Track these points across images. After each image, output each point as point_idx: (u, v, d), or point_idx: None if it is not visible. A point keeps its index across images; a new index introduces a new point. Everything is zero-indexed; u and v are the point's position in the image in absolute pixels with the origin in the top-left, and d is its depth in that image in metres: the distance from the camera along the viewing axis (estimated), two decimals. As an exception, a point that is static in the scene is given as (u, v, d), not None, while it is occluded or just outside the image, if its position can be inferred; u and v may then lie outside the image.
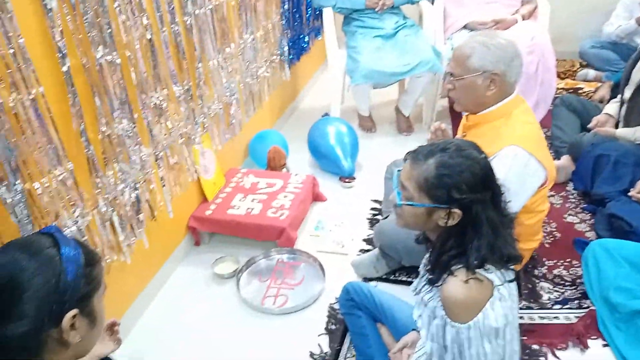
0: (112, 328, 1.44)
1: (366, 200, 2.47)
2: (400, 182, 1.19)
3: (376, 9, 2.88)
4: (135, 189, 1.71)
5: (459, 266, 1.12)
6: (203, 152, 2.17)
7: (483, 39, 1.63)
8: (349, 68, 2.84)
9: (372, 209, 2.41)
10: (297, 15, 3.20)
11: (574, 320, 1.75)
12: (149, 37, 1.68)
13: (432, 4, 3.02)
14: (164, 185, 1.89)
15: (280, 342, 1.77)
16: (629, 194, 2.08)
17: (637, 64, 2.42)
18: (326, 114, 3.27)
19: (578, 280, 1.91)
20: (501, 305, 1.11)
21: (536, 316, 1.79)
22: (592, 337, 1.69)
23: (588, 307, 1.79)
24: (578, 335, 1.69)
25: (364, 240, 2.22)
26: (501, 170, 1.54)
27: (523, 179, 1.60)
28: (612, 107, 2.55)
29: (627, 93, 2.42)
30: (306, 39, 3.41)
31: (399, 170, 1.23)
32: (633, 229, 1.90)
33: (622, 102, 2.48)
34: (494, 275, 1.12)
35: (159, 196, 1.88)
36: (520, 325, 1.68)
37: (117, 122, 1.57)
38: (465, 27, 2.85)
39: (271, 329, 1.82)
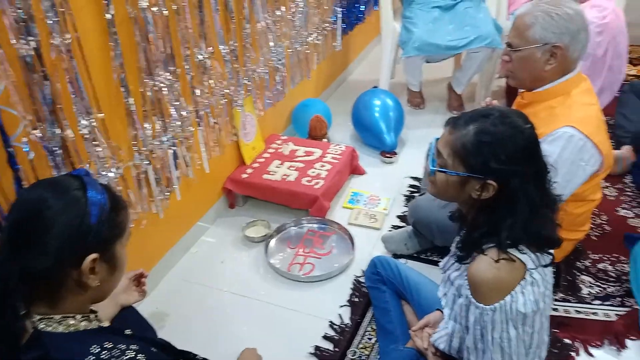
0: (139, 279, 1.47)
1: (405, 177, 2.40)
2: (436, 149, 1.13)
3: (436, -23, 2.75)
4: (173, 145, 1.72)
5: (491, 245, 1.06)
6: (245, 116, 2.16)
7: (547, 8, 1.51)
8: (401, 39, 2.73)
9: (410, 186, 2.35)
10: (353, -17, 3.10)
11: (614, 318, 1.65)
12: (196, -10, 1.67)
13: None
14: (202, 144, 1.90)
15: (303, 309, 1.76)
16: (694, 191, 1.91)
17: None
18: (375, 87, 3.18)
19: (623, 277, 1.79)
20: (532, 290, 1.05)
21: (572, 309, 1.69)
22: (632, 338, 1.58)
23: (631, 306, 1.67)
24: (616, 334, 1.59)
25: (398, 216, 2.16)
26: (554, 151, 1.45)
27: (576, 164, 1.49)
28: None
29: None
30: (362, 8, 3.30)
31: (437, 138, 1.16)
32: (693, 229, 1.75)
33: (698, 92, 2.26)
34: (527, 257, 1.05)
35: (196, 155, 1.89)
36: (554, 317, 1.61)
37: (159, 76, 1.58)
38: (530, 2, 2.66)
39: (295, 296, 1.82)
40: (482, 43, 2.57)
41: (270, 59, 2.28)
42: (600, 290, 1.76)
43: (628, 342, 1.57)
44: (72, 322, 0.85)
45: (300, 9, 2.44)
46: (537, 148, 1.06)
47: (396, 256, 1.93)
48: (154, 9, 1.49)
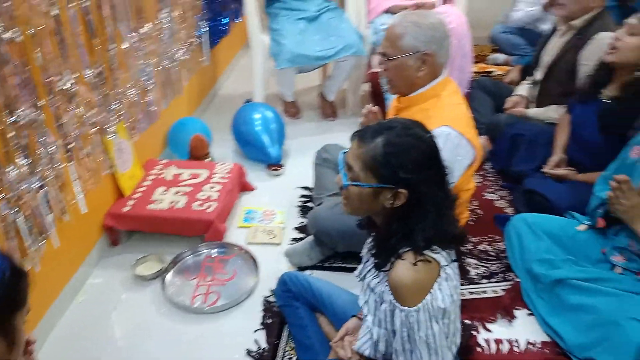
0: (26, 348, 1.27)
1: (295, 188, 2.41)
2: (346, 163, 1.15)
3: (299, -10, 2.82)
4: (43, 186, 1.52)
5: (406, 249, 1.10)
6: (119, 143, 1.99)
7: (415, 19, 1.62)
8: (273, 52, 2.74)
9: (302, 196, 2.37)
10: (214, -4, 3.04)
11: (501, 293, 1.83)
12: (54, 12, 1.49)
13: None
14: (75, 180, 1.70)
15: (215, 341, 1.68)
16: (543, 170, 2.20)
17: (545, 48, 2.56)
18: (248, 100, 3.16)
19: (502, 255, 1.99)
20: (447, 285, 1.12)
21: (466, 292, 1.84)
22: (517, 308, 1.77)
23: (512, 280, 1.88)
24: (505, 307, 1.76)
25: (296, 228, 2.17)
26: None
27: (454, 159, 1.62)
28: (524, 89, 2.69)
29: (539, 75, 2.56)
30: (226, 20, 3.26)
31: (344, 152, 1.18)
32: (549, 203, 2.01)
33: (534, 83, 2.62)
34: (440, 255, 1.12)
35: (69, 193, 1.69)
36: (455, 302, 1.74)
37: (20, 109, 1.38)
38: (387, 11, 2.86)
39: (204, 330, 1.72)
40: (348, 52, 2.69)
41: (139, 79, 2.14)
42: (485, 270, 1.94)
43: (516, 312, 1.75)
44: None
45: (165, 25, 2.33)
46: (438, 154, 1.13)
47: (301, 268, 1.94)
48: (6, 35, 1.30)
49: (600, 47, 2.20)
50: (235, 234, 2.13)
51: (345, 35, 2.72)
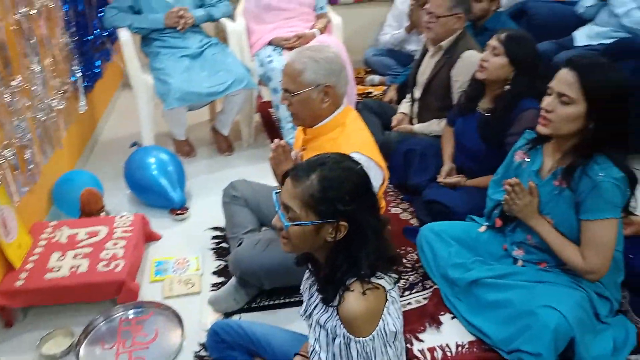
0: None
1: (205, 230, 2.32)
2: (282, 204, 1.14)
3: (178, 28, 2.75)
4: None
5: (353, 279, 1.12)
6: (0, 210, 1.76)
7: (312, 54, 1.67)
8: (160, 92, 2.63)
9: (214, 237, 2.28)
10: (85, 39, 2.84)
11: (424, 302, 1.93)
12: None
13: (234, 21, 3.01)
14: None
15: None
16: (437, 180, 2.38)
17: (419, 68, 2.79)
18: (134, 143, 2.98)
19: (417, 265, 2.11)
20: (394, 308, 1.16)
21: (393, 307, 1.91)
22: (442, 313, 1.88)
23: (431, 287, 1.99)
24: (431, 315, 1.87)
25: (215, 272, 2.08)
26: None
27: None
28: (405, 107, 2.90)
29: (417, 93, 2.78)
30: (98, 63, 3.06)
31: (277, 192, 1.18)
32: (449, 210, 2.18)
33: (413, 101, 2.83)
34: (384, 280, 1.15)
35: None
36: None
37: None
38: (269, 43, 2.91)
39: (134, 400, 1.57)
40: (240, 86, 2.68)
41: (15, 137, 1.92)
42: (404, 282, 2.04)
43: (441, 318, 1.86)
44: None
45: (37, 75, 2.12)
46: (369, 182, 1.17)
47: (228, 314, 1.86)
48: None
49: (467, 64, 2.47)
50: (149, 290, 1.98)
51: (234, 70, 2.71)
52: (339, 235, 1.12)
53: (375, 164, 1.73)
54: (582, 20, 3.08)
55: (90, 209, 2.24)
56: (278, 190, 1.19)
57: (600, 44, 2.84)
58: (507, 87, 2.12)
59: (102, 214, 2.28)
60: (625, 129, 1.56)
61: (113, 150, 3.01)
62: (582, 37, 3.01)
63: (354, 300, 1.10)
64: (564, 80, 1.56)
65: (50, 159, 2.27)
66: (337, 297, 1.13)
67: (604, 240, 1.55)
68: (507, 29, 2.25)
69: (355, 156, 1.64)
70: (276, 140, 1.84)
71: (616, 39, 2.71)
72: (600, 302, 1.63)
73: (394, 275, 1.20)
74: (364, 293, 1.10)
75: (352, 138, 1.74)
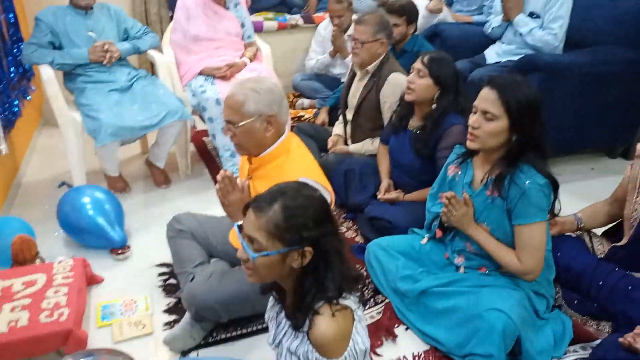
0: None
1: (150, 267, 2.25)
2: (246, 236, 1.16)
3: (104, 62, 2.68)
4: None
5: (321, 303, 1.16)
6: None
7: (252, 85, 1.71)
8: (90, 128, 2.54)
9: (161, 274, 2.22)
10: (0, 77, 2.69)
11: (378, 317, 2.00)
12: None
13: (162, 52, 2.98)
14: None
15: None
16: (378, 197, 2.49)
17: (349, 91, 2.91)
18: (63, 183, 2.85)
19: (366, 280, 2.17)
20: (361, 326, 1.21)
21: (349, 325, 1.96)
22: (396, 326, 1.95)
23: (383, 301, 2.06)
24: (386, 329, 1.93)
25: (166, 311, 2.02)
26: None
27: None
28: (339, 128, 3.01)
29: (349, 115, 2.89)
30: (16, 102, 2.90)
31: (239, 225, 1.19)
32: (392, 225, 2.29)
33: (345, 123, 2.94)
34: (350, 300, 1.20)
35: None
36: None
37: None
38: (200, 73, 2.91)
39: None
40: (174, 117, 2.66)
41: None
42: (357, 299, 2.09)
43: (396, 330, 1.93)
44: None
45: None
46: (329, 207, 1.22)
47: (185, 352, 1.81)
48: None
49: (393, 85, 2.62)
50: (97, 337, 1.89)
51: (166, 101, 2.68)
52: (304, 261, 1.15)
53: (322, 187, 1.78)
54: (491, 40, 3.37)
55: (23, 257, 2.10)
56: (239, 223, 1.21)
57: (509, 60, 3.12)
58: (434, 105, 2.27)
59: (37, 261, 2.15)
60: (543, 137, 1.73)
61: (39, 192, 2.85)
62: (492, 54, 3.29)
63: (325, 323, 1.14)
64: (487, 98, 1.71)
65: (-29, 208, 2.12)
66: (307, 322, 1.17)
67: (536, 243, 1.70)
68: (428, 51, 2.42)
69: (303, 181, 1.71)
70: (221, 172, 1.84)
71: (522, 55, 2.99)
72: (537, 299, 1.78)
73: (357, 294, 1.25)
74: (333, 315, 1.14)
75: (298, 164, 1.78)
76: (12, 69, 2.89)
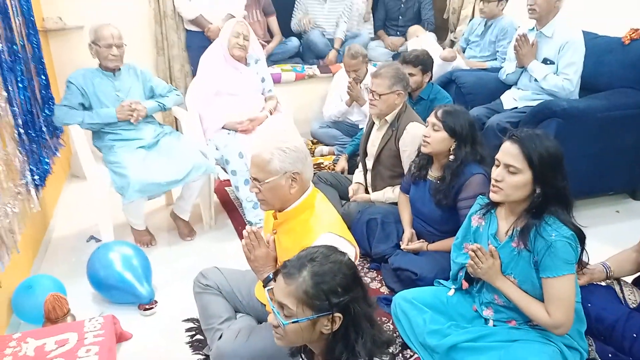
0: None
1: (178, 323, 2.27)
2: (277, 302, 1.18)
3: (131, 121, 2.79)
4: None
5: (352, 368, 1.16)
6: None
7: (278, 144, 1.77)
8: (118, 185, 2.63)
9: (188, 329, 2.23)
10: (33, 136, 2.81)
11: (406, 373, 1.98)
12: None
13: (186, 109, 3.10)
14: None
15: None
16: (401, 247, 2.49)
17: (369, 140, 2.97)
18: (91, 237, 2.92)
19: (395, 335, 2.16)
20: (391, 388, 1.20)
21: (377, 381, 1.94)
22: (428, 381, 1.92)
23: (412, 356, 2.04)
24: (414, 384, 1.90)
25: (200, 366, 2.03)
26: None
27: None
28: (359, 176, 3.05)
29: (369, 164, 2.93)
30: (47, 160, 3.01)
31: (269, 289, 1.22)
32: (418, 276, 2.28)
33: (365, 171, 2.98)
34: (380, 363, 1.20)
35: None
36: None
37: None
38: (223, 127, 3.00)
39: None
40: (199, 172, 2.73)
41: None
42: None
43: (428, 386, 1.90)
44: None
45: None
46: (358, 271, 1.25)
47: (214, 411, 1.81)
48: None
49: (412, 135, 2.67)
50: (127, 396, 1.90)
51: (191, 157, 2.77)
52: (334, 326, 1.17)
53: (347, 242, 1.80)
54: (506, 85, 3.43)
55: (56, 315, 2.14)
56: (270, 287, 1.24)
57: (526, 106, 3.16)
58: (452, 156, 2.30)
59: (68, 319, 2.18)
60: (566, 188, 1.74)
61: (68, 246, 2.92)
62: (509, 100, 3.33)
63: (356, 388, 1.14)
64: (509, 152, 1.74)
65: (6, 266, 2.18)
66: (339, 387, 1.17)
67: (565, 296, 1.68)
68: (442, 105, 2.44)
69: (328, 236, 1.74)
70: (247, 227, 1.89)
71: (539, 100, 3.03)
72: (570, 353, 1.75)
73: (387, 358, 1.25)
74: (365, 381, 1.15)
75: (322, 219, 1.82)
76: (43, 129, 3.02)
